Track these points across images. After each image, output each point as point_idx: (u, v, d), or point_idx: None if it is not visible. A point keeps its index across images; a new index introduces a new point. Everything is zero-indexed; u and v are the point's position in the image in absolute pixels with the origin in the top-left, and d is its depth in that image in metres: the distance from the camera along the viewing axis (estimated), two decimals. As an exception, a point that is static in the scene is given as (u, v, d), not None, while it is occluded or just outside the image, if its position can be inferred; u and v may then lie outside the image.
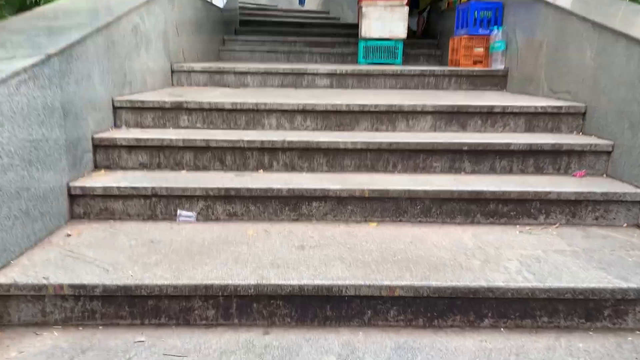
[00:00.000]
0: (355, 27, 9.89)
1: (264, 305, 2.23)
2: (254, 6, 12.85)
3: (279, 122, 3.63)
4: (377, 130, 3.63)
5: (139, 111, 3.60)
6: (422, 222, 2.96)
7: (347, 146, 3.23)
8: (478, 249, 2.58)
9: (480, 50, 5.19)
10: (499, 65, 5.02)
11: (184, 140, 3.24)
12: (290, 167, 3.29)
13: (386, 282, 2.20)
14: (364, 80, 5.04)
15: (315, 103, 3.59)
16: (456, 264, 2.38)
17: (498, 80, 4.98)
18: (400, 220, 2.97)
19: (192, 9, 5.83)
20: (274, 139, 3.24)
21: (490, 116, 3.61)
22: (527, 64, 4.54)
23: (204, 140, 3.23)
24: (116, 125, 3.60)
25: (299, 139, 3.24)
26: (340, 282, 2.20)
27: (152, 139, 3.25)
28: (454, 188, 2.93)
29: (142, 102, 3.59)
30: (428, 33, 8.11)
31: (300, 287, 2.19)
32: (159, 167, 3.29)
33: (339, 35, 8.80)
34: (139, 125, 3.62)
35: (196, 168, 3.29)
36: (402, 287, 2.19)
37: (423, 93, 4.60)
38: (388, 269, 2.32)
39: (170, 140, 3.24)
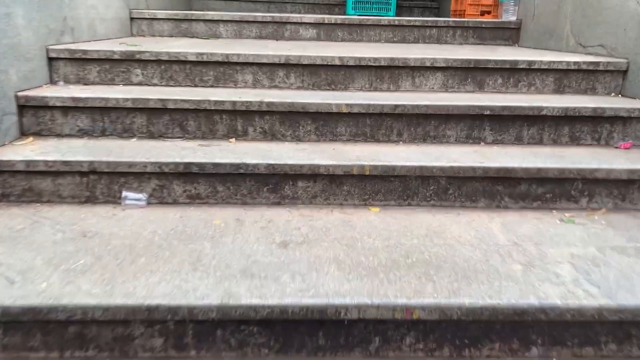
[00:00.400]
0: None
1: (232, 332, 1.60)
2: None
3: (255, 78, 2.92)
4: (376, 89, 2.95)
5: (81, 63, 2.86)
6: (437, 207, 2.33)
7: (341, 109, 2.56)
8: (514, 245, 1.96)
9: (489, -2, 4.48)
10: (510, 17, 4.33)
11: (134, 100, 2.53)
12: (270, 135, 2.61)
13: (401, 300, 1.57)
14: (356, 31, 4.31)
15: (300, 55, 2.88)
16: (491, 270, 1.77)
17: (510, 34, 4.29)
18: (409, 204, 2.33)
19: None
20: (250, 99, 2.55)
21: (512, 74, 2.95)
22: (547, 14, 3.86)
23: (159, 100, 2.53)
24: (53, 81, 2.86)
25: (281, 100, 2.56)
26: (338, 301, 1.57)
27: (94, 99, 2.53)
28: (478, 164, 2.29)
29: (85, 51, 2.84)
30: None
31: (282, 310, 1.55)
32: (103, 134, 2.58)
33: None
34: (82, 81, 2.89)
35: (150, 135, 2.59)
36: (423, 308, 1.57)
37: (426, 47, 3.91)
38: (401, 277, 1.69)
39: (117, 100, 2.53)
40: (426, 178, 2.29)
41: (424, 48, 3.75)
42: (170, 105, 2.53)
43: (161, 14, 4.25)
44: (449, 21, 4.28)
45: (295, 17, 4.29)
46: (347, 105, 2.56)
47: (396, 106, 2.56)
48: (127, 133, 2.58)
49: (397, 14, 6.22)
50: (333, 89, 2.94)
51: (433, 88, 2.96)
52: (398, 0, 6.22)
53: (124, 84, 2.90)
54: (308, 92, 2.87)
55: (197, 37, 4.25)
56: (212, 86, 2.92)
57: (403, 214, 2.25)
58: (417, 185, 2.30)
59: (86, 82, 2.88)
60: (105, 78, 2.89)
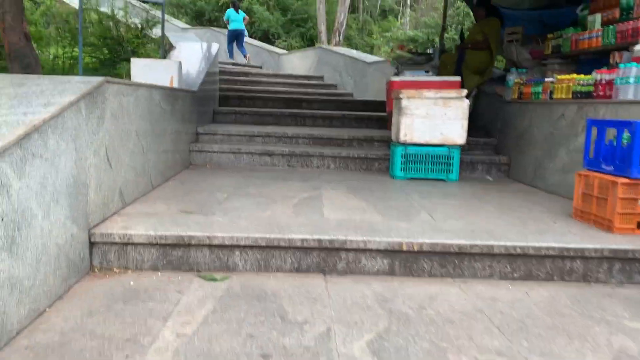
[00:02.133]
0: (370, 105, 7.60)
1: None
2: (233, 70, 10.58)
3: None
4: None
5: None
6: None
7: None
8: None
9: (649, 204, 2.84)
10: (691, 236, 2.67)
11: None
12: None
13: None
14: (452, 263, 2.63)
15: None
16: None
17: (699, 268, 2.62)
18: None
19: (143, 111, 3.39)
20: None
21: None
22: None
23: None
24: None
25: None
26: None
27: None
28: None
29: None
30: (476, 126, 5.80)
31: None
32: None
33: (353, 121, 6.51)
34: None
35: None
36: None
37: (577, 299, 2.20)
38: None
39: None
40: None
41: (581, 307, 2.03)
42: None
43: (140, 236, 2.57)
44: (602, 250, 2.61)
45: (355, 240, 2.61)
46: None
47: None
48: None
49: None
50: None
51: None
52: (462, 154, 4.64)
53: None
54: None
55: (197, 272, 2.54)
56: None
57: None
58: None
59: None
60: None
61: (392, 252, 2.62)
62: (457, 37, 12.92)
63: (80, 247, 2.45)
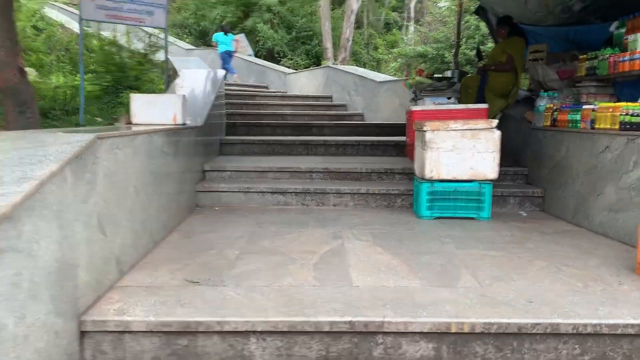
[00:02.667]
0: (384, 129, 7.21)
1: None
2: (239, 92, 10.25)
3: None
4: None
5: None
6: None
7: None
8: None
9: None
10: None
11: None
12: None
13: None
14: (509, 345, 2.21)
15: None
16: None
17: None
18: None
19: (142, 162, 2.99)
20: None
21: None
22: None
23: None
24: None
25: None
26: None
27: None
28: None
29: None
30: (503, 152, 5.34)
31: None
32: None
33: (368, 148, 6.09)
34: None
35: None
36: None
37: None
38: None
39: None
40: None
41: None
42: None
43: (139, 323, 2.15)
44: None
45: (394, 322, 2.18)
46: None
47: None
48: None
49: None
50: None
51: None
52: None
53: None
54: None
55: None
56: None
57: None
58: None
59: None
60: None
61: (438, 335, 2.19)
62: (467, 51, 12.52)
63: (66, 342, 2.03)
